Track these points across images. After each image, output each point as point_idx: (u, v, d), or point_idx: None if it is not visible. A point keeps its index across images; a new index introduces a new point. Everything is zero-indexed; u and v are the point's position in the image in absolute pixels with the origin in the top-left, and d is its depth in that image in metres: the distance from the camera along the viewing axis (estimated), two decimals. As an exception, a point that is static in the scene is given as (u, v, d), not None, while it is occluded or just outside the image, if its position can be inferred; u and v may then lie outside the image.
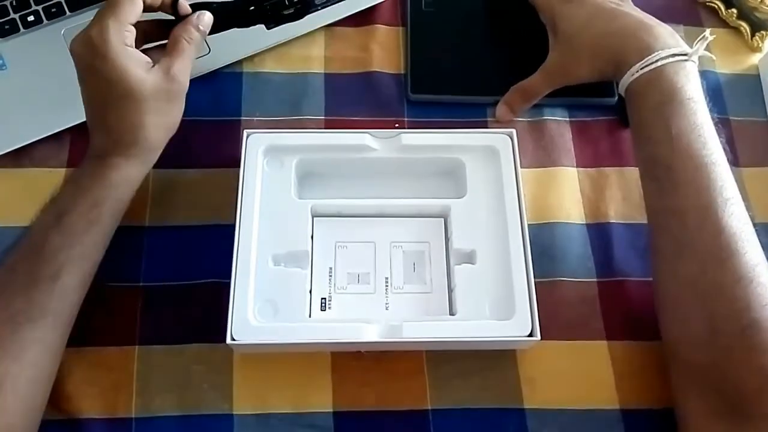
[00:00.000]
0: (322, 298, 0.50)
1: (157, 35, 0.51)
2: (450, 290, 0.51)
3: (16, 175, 0.56)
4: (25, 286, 0.44)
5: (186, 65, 0.48)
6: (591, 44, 0.54)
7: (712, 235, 0.44)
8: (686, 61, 0.50)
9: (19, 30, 0.59)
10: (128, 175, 0.48)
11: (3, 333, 0.43)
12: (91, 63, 0.45)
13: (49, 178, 0.55)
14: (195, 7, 0.51)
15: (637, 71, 0.50)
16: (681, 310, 0.45)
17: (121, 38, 0.45)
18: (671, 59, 0.49)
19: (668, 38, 0.51)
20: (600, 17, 0.53)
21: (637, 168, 0.58)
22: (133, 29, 0.47)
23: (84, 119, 0.57)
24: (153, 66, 0.47)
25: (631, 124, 0.52)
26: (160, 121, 0.48)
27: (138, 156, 0.48)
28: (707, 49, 0.64)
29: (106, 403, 0.49)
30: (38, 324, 0.44)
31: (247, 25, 0.53)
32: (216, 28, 0.51)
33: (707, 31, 0.53)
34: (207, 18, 0.50)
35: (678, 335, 0.46)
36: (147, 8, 0.48)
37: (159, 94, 0.47)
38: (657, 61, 0.49)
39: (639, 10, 0.55)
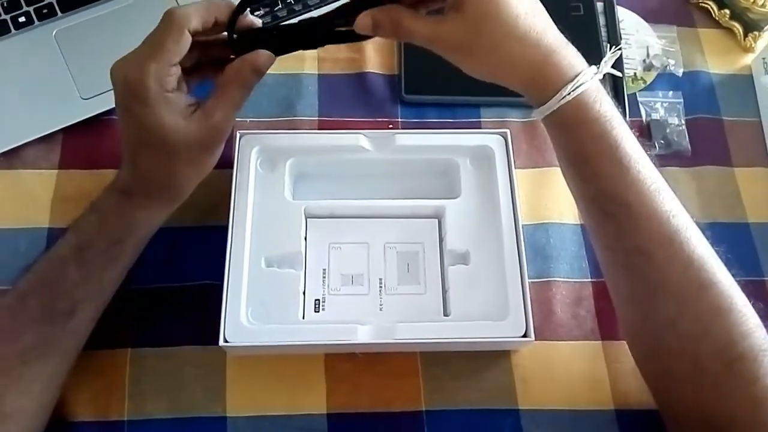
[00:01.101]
0: (315, 300, 0.50)
1: (210, 52, 0.46)
2: (444, 291, 0.51)
3: (7, 176, 0.55)
4: (38, 321, 0.43)
5: (231, 113, 0.44)
6: (507, 50, 0.42)
7: (681, 270, 0.41)
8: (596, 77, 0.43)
9: (10, 31, 0.59)
10: (153, 215, 0.46)
11: (13, 367, 0.43)
12: (128, 105, 0.42)
13: (40, 180, 0.55)
14: (255, 34, 0.45)
15: (568, 93, 0.42)
16: (663, 353, 0.43)
17: (162, 84, 0.41)
18: (594, 77, 0.43)
19: (578, 55, 0.44)
20: (523, 25, 0.42)
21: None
22: (178, 69, 0.42)
23: (75, 120, 0.57)
24: (195, 110, 0.43)
25: (565, 155, 0.45)
26: (193, 170, 0.45)
27: (164, 200, 0.46)
28: (700, 49, 0.65)
29: (99, 406, 0.48)
30: (49, 361, 0.44)
31: (314, 47, 0.48)
32: (281, 51, 0.45)
33: (620, 45, 0.47)
34: (265, 59, 0.44)
35: (662, 377, 0.44)
36: (196, 36, 0.42)
37: (195, 144, 0.43)
38: (584, 83, 0.42)
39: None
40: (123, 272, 0.47)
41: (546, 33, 0.43)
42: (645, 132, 0.60)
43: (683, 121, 0.61)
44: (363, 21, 0.44)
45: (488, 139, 0.54)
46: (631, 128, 0.44)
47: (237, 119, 0.58)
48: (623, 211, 0.42)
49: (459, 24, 0.43)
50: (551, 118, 0.43)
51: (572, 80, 0.42)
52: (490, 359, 0.51)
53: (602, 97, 0.43)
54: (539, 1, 0.44)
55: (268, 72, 0.60)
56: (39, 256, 0.46)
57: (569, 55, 0.43)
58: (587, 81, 0.42)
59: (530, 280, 0.50)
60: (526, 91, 0.44)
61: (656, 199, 0.42)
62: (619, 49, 0.46)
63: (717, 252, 0.43)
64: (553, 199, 0.57)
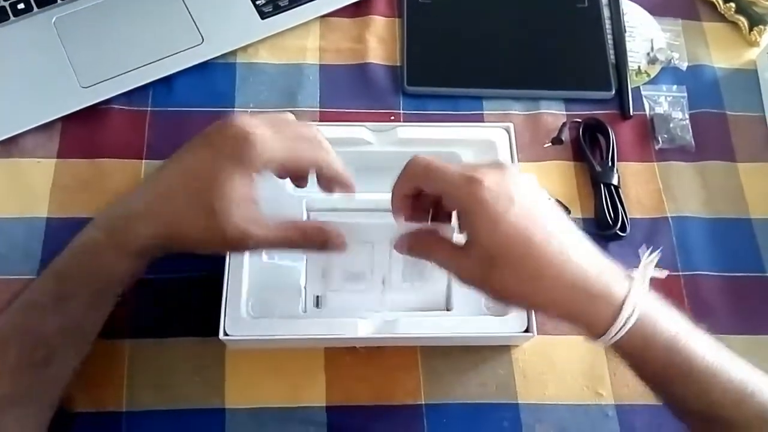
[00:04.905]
0: (315, 294, 0.50)
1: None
2: (446, 285, 0.51)
3: (5, 165, 0.55)
4: (14, 369, 0.41)
5: (276, 248, 0.46)
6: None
7: None
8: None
9: (9, 18, 0.58)
10: (142, 269, 0.44)
11: None
12: (219, 193, 0.40)
13: (39, 169, 0.55)
14: None
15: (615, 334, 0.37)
16: None
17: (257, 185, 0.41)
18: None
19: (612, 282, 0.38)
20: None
21: (632, 162, 0.58)
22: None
23: (74, 109, 0.56)
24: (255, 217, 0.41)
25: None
26: (202, 250, 0.43)
27: (156, 255, 0.44)
28: (704, 43, 0.65)
29: (96, 396, 0.48)
30: (24, 407, 0.42)
31: None
32: None
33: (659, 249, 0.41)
34: (339, 246, 0.44)
35: None
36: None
37: (229, 243, 0.42)
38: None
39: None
40: (106, 316, 0.45)
41: (571, 264, 0.37)
42: (648, 126, 0.60)
43: (687, 116, 0.60)
44: (399, 243, 0.43)
45: (491, 132, 0.54)
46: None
47: (237, 109, 0.58)
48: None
49: (475, 259, 0.39)
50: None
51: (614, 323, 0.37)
52: (491, 353, 0.51)
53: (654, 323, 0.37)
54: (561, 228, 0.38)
55: (268, 61, 0.60)
56: (16, 299, 0.42)
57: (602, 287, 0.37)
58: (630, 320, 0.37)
59: (532, 275, 0.49)
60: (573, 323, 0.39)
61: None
62: (659, 252, 0.40)
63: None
64: (555, 193, 0.56)
